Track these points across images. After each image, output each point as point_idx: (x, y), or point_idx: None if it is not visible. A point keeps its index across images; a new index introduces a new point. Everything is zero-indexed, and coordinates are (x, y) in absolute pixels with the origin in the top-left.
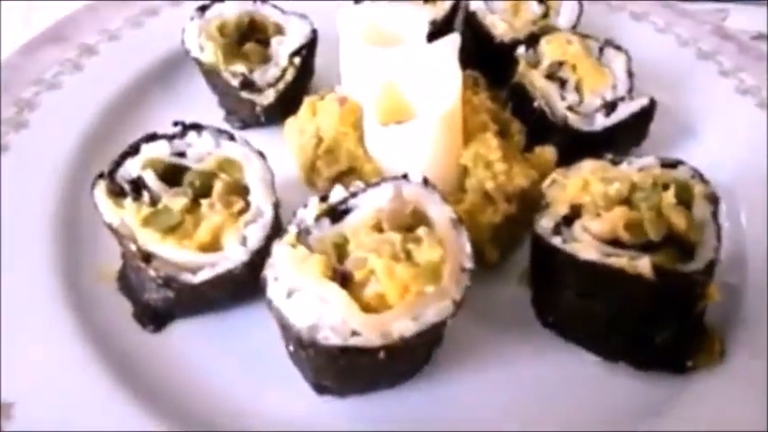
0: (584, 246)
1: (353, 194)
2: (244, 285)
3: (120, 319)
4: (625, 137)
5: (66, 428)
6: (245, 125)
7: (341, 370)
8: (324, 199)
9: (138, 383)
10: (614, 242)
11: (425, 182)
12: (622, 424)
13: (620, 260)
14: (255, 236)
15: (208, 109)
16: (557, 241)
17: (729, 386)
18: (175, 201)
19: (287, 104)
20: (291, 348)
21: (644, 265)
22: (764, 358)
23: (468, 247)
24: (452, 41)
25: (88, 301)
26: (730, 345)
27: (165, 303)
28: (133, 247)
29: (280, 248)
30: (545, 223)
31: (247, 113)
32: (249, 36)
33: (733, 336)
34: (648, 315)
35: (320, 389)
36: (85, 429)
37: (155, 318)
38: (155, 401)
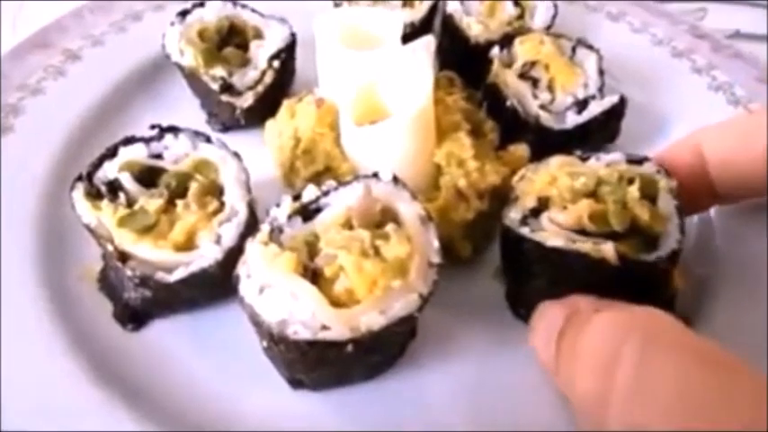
0: (551, 234)
1: (325, 193)
2: (219, 284)
3: (102, 319)
4: (597, 134)
5: (45, 426)
6: (226, 127)
7: (311, 364)
8: (296, 198)
9: (117, 381)
10: (580, 232)
11: (395, 180)
12: None
13: (585, 245)
14: (230, 235)
15: (190, 112)
16: (524, 231)
17: None
18: (151, 202)
19: (266, 107)
20: (265, 344)
21: (608, 249)
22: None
23: (435, 243)
24: (426, 43)
25: (71, 301)
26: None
27: (143, 303)
28: (110, 248)
29: (252, 246)
30: (513, 215)
31: (228, 116)
32: (229, 40)
33: (702, 327)
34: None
35: (295, 383)
36: (65, 427)
37: (134, 317)
38: (134, 400)
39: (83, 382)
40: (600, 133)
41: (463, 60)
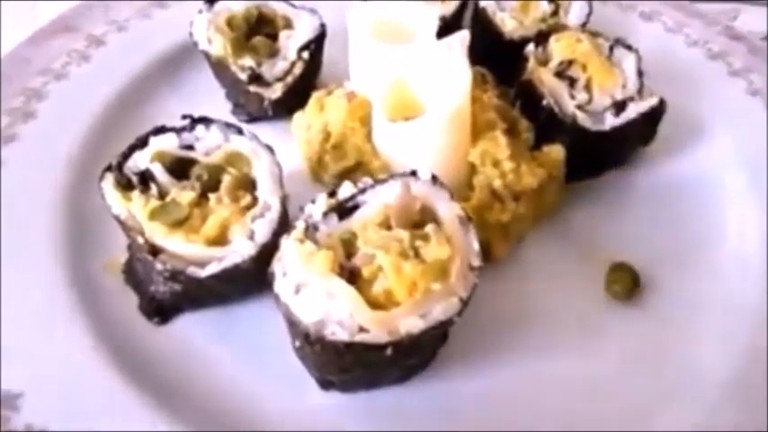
0: None
1: (362, 190)
2: (251, 279)
3: (127, 311)
4: (634, 136)
5: (71, 419)
6: (253, 118)
7: (346, 366)
8: (332, 194)
9: (143, 376)
10: None
11: (434, 179)
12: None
13: None
14: (263, 230)
15: (214, 101)
16: None
17: None
18: (183, 194)
19: (295, 99)
20: (297, 344)
21: None
22: None
23: (475, 245)
24: (461, 38)
25: (95, 293)
26: None
27: (171, 296)
28: (140, 240)
29: (287, 244)
30: None
31: (255, 107)
32: (258, 29)
33: None
34: None
35: (325, 384)
36: (90, 420)
37: (160, 310)
38: (159, 394)
39: (108, 377)
40: (636, 136)
41: (493, 56)
